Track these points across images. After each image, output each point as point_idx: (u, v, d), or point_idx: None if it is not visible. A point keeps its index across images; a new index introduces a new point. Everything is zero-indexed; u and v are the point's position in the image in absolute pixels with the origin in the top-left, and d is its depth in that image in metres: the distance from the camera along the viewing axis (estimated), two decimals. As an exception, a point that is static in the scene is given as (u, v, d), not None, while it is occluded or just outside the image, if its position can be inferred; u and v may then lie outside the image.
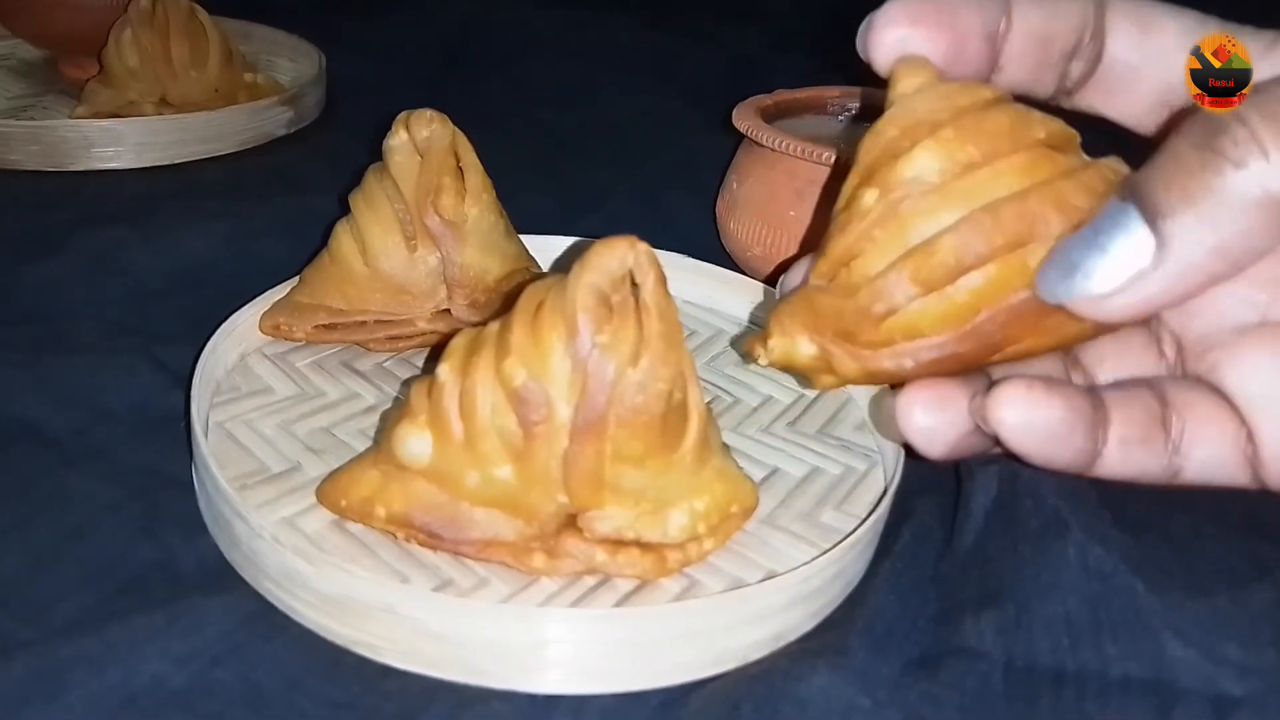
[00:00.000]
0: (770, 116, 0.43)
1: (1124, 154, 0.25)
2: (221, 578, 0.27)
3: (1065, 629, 0.26)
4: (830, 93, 0.46)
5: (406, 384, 0.35)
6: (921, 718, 0.24)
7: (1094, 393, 0.26)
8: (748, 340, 0.26)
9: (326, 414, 0.33)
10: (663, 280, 0.26)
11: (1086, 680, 0.25)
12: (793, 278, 0.28)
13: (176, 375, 0.35)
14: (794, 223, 0.40)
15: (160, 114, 0.53)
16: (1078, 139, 0.25)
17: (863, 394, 0.35)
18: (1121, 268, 0.22)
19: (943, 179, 0.23)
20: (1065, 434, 0.24)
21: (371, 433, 0.32)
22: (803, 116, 0.45)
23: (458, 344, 0.27)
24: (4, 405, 0.33)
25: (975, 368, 0.25)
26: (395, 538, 0.28)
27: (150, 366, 0.36)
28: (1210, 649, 0.25)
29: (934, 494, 0.31)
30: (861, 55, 0.26)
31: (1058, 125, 0.24)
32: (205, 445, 0.28)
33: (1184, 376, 0.28)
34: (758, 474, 0.31)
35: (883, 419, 0.33)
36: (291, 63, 0.65)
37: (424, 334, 0.36)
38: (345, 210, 0.36)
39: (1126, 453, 0.26)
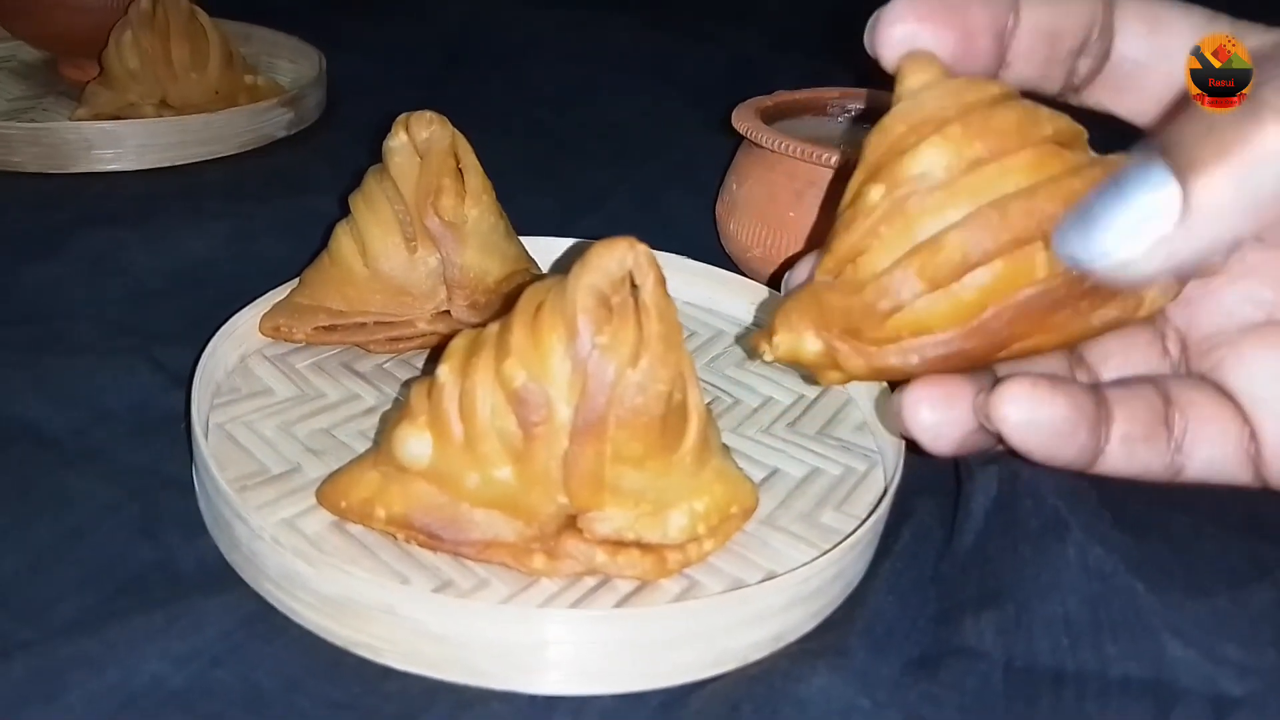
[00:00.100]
0: (770, 118, 0.43)
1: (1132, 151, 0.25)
2: (221, 578, 0.27)
3: (1065, 629, 0.26)
4: (830, 94, 0.46)
5: (406, 385, 0.35)
6: (921, 718, 0.24)
7: (1097, 390, 0.26)
8: (753, 336, 0.26)
9: (326, 415, 0.33)
10: (662, 281, 0.26)
11: (1086, 680, 0.25)
12: (798, 274, 0.28)
13: (176, 376, 0.35)
14: (794, 224, 0.40)
15: (160, 116, 0.53)
16: (1085, 135, 0.25)
17: (863, 395, 0.35)
18: (1146, 225, 0.21)
19: (949, 176, 0.23)
20: (1069, 432, 0.24)
21: (371, 434, 0.32)
22: (802, 118, 0.45)
23: (457, 345, 0.27)
24: (4, 405, 0.33)
25: (981, 365, 0.25)
26: (395, 539, 0.28)
27: (150, 367, 0.36)
28: (1210, 649, 0.25)
29: (934, 494, 0.31)
30: (869, 51, 0.25)
31: (1065, 122, 0.24)
32: (205, 446, 0.28)
33: (1188, 374, 0.27)
34: (758, 475, 0.31)
35: (888, 416, 0.33)
36: (292, 64, 0.65)
37: (424, 335, 0.36)
38: (345, 212, 0.36)
39: (1129, 450, 0.26)
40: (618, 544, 0.27)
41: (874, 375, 0.25)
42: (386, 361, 0.36)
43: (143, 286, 0.42)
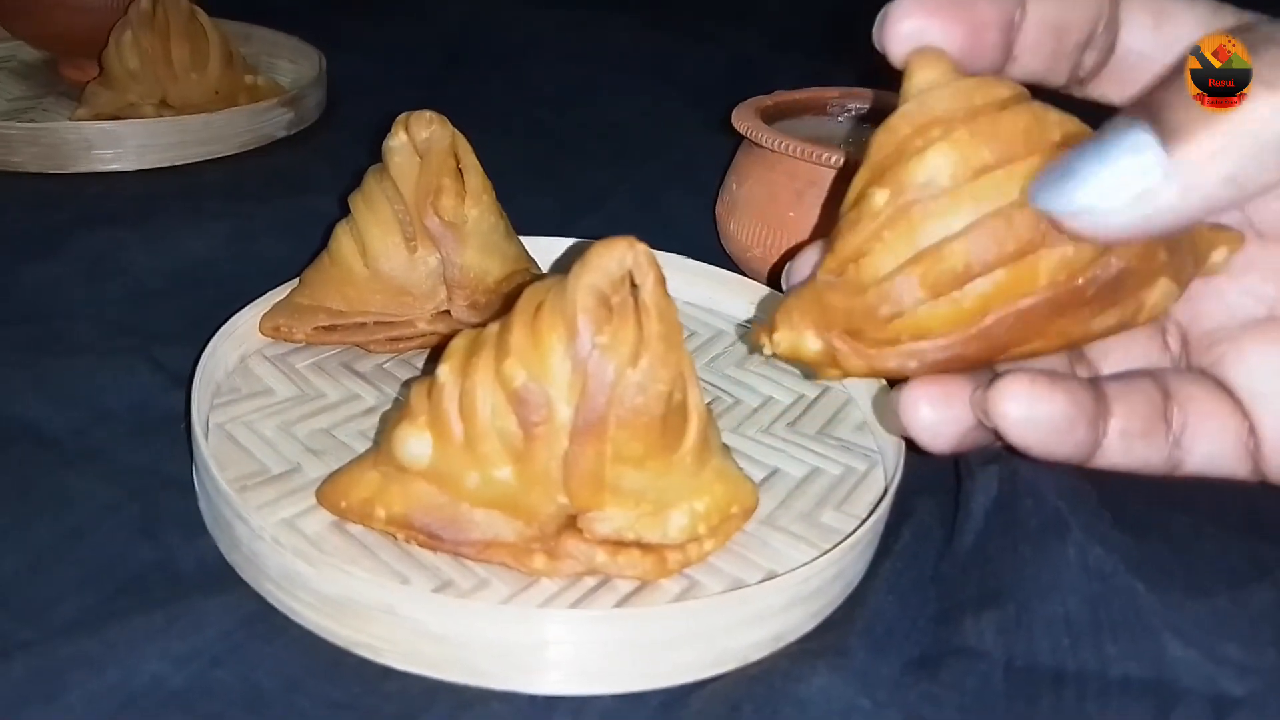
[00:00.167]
0: (770, 117, 0.43)
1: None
2: (221, 578, 0.27)
3: (1065, 629, 0.26)
4: (830, 93, 0.46)
5: (406, 385, 0.35)
6: (922, 718, 0.24)
7: (1096, 385, 0.26)
8: (754, 328, 0.26)
9: (327, 415, 0.33)
10: (662, 281, 0.26)
11: (1087, 680, 0.25)
12: (801, 267, 0.28)
13: (176, 376, 0.35)
14: (794, 224, 0.40)
15: (160, 116, 0.54)
16: None
17: (863, 396, 0.35)
18: (1125, 184, 0.21)
19: (955, 182, 0.23)
20: (1067, 428, 0.24)
21: (371, 434, 0.32)
22: (802, 117, 0.45)
23: (457, 345, 0.27)
24: (4, 405, 0.33)
25: (980, 367, 0.25)
26: (395, 539, 0.28)
27: (150, 367, 0.36)
28: (1210, 649, 0.25)
29: (934, 494, 0.31)
30: (876, 46, 0.25)
31: (1075, 126, 0.24)
32: (206, 447, 0.28)
33: (1188, 369, 0.27)
34: (758, 475, 0.31)
35: (886, 414, 0.33)
36: (292, 64, 0.65)
37: (424, 335, 0.36)
38: (345, 212, 0.36)
39: (1127, 445, 0.25)
40: (618, 544, 0.27)
41: (873, 375, 0.25)
42: (386, 361, 0.36)
43: (143, 286, 0.42)
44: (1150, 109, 0.22)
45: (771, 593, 0.25)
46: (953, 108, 0.23)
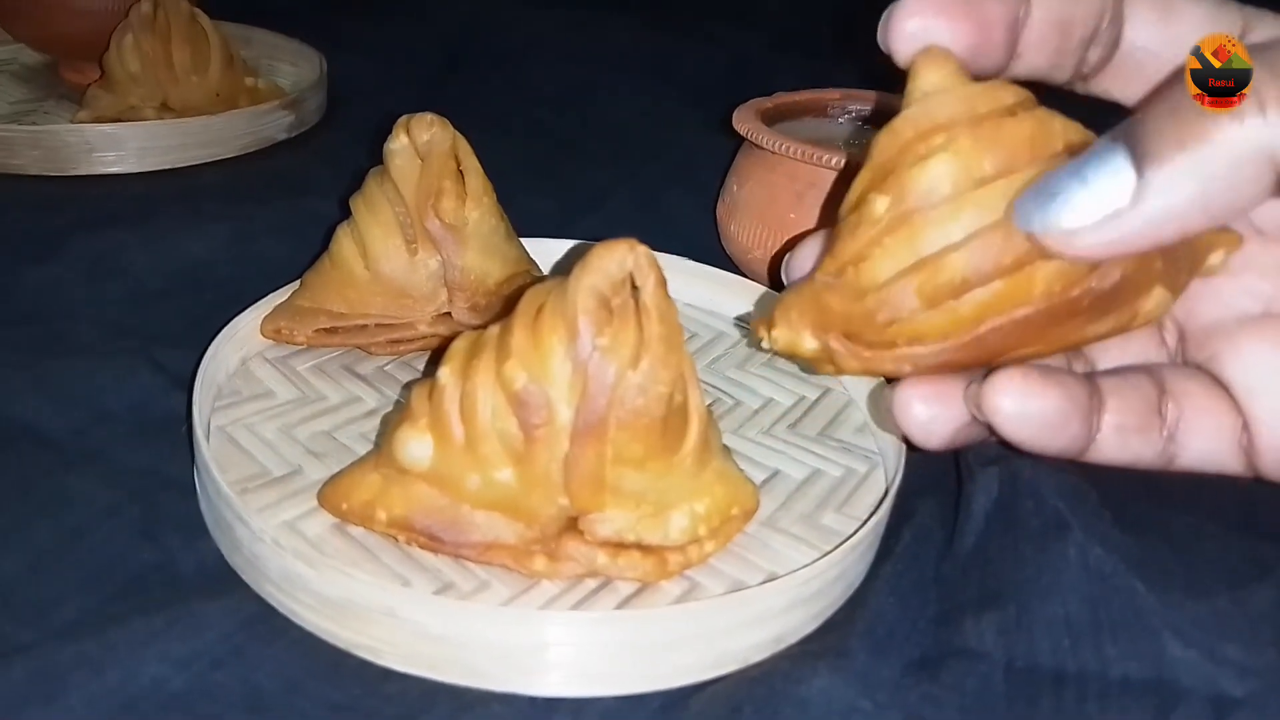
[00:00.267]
0: (770, 119, 0.43)
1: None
2: (222, 581, 0.27)
3: (1066, 630, 0.26)
4: (831, 95, 0.46)
5: (407, 387, 0.35)
6: (922, 719, 0.24)
7: (1090, 379, 0.26)
8: (754, 321, 0.26)
9: (327, 417, 0.33)
10: (663, 282, 0.26)
11: (1087, 681, 0.25)
12: (800, 262, 0.28)
13: (176, 377, 0.35)
14: (794, 225, 0.40)
15: (161, 118, 0.54)
16: None
17: (863, 397, 0.35)
18: (1100, 205, 0.22)
19: (956, 191, 0.23)
20: (1060, 423, 0.24)
21: (373, 436, 0.32)
22: (803, 119, 0.45)
23: (458, 347, 0.27)
24: (4, 406, 0.33)
25: (976, 370, 0.25)
26: (396, 541, 0.28)
27: (150, 368, 0.36)
28: (1210, 649, 0.25)
29: (935, 495, 0.31)
30: (881, 46, 0.25)
31: (1079, 132, 0.24)
32: (207, 449, 0.28)
33: (1184, 364, 0.27)
34: (758, 476, 0.31)
35: (881, 411, 0.33)
36: (292, 67, 0.65)
37: (425, 337, 0.36)
38: (346, 214, 0.36)
39: (1122, 439, 0.25)
40: (619, 546, 0.27)
41: (868, 374, 0.26)
42: (387, 364, 0.36)
43: (143, 288, 0.42)
44: (1129, 132, 0.22)
45: (772, 594, 0.25)
46: (957, 114, 0.23)
